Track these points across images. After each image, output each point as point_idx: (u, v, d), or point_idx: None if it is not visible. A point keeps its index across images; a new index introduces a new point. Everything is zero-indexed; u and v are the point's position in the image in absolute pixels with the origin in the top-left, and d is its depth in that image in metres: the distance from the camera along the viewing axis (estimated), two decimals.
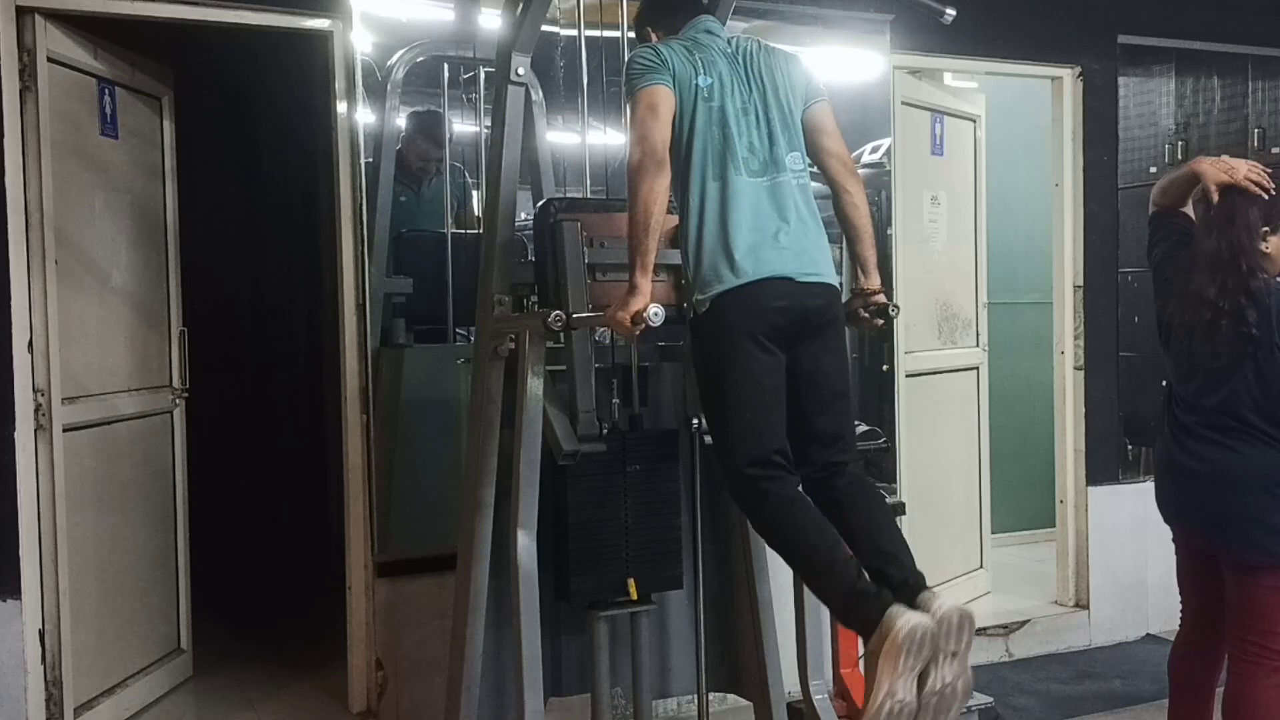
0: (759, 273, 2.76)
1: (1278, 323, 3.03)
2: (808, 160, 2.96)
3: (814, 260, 2.85)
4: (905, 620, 2.49)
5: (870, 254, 3.06)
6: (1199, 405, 3.17)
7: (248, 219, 6.85)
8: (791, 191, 2.87)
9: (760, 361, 2.76)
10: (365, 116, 4.01)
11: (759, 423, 2.75)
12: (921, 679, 2.51)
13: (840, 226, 3.07)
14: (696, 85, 2.84)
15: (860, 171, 4.92)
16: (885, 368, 4.84)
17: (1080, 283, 5.17)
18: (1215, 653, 3.31)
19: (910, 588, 2.60)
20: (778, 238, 2.81)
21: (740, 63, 2.93)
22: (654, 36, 3.08)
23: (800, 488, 2.78)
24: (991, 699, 4.15)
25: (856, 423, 4.62)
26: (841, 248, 4.87)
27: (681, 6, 3.05)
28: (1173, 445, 3.23)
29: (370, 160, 4.06)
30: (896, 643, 2.47)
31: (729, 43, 2.98)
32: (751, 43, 3.01)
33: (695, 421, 3.28)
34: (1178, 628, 3.43)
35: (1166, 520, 3.34)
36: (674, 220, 2.93)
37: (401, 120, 4.24)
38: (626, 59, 2.94)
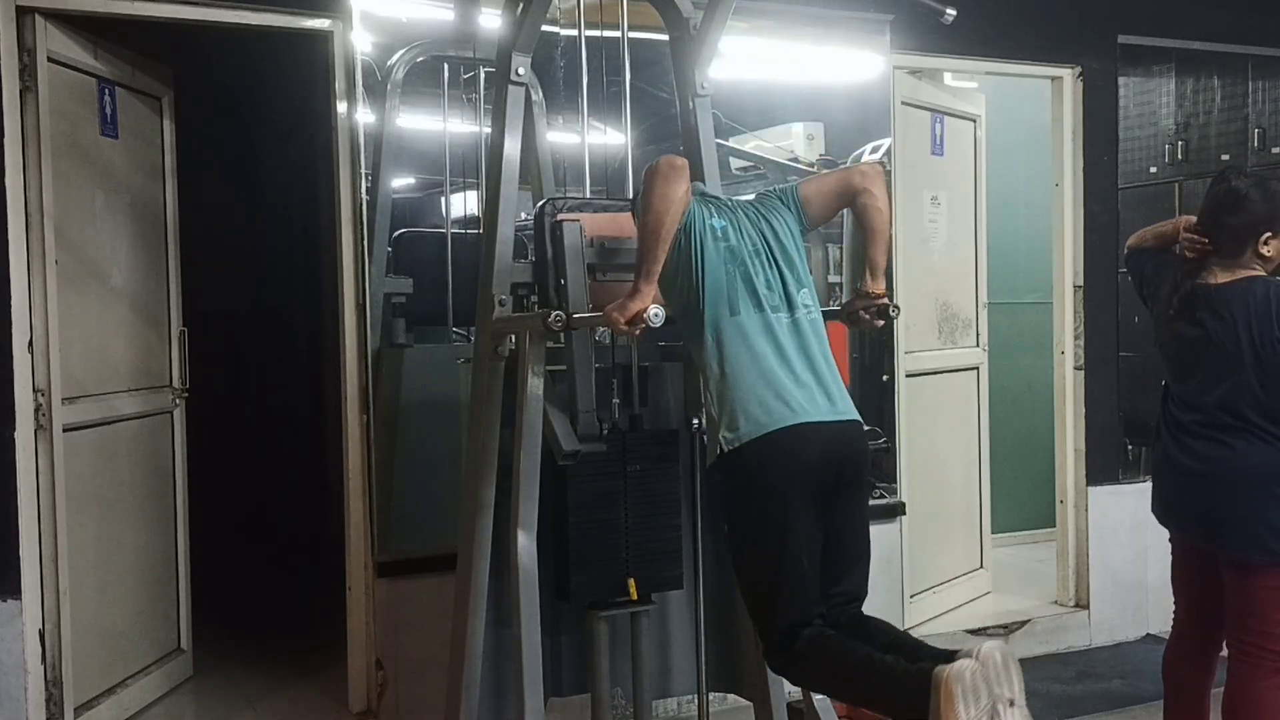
0: (794, 418, 2.72)
1: (1278, 319, 3.04)
2: (818, 301, 2.96)
3: (842, 399, 2.83)
4: (950, 668, 2.43)
5: (882, 259, 3.06)
6: (1197, 403, 3.17)
7: (248, 219, 6.85)
8: (811, 328, 2.87)
9: (804, 528, 2.71)
10: (365, 116, 4.01)
11: (800, 590, 2.71)
12: None
13: (858, 227, 3.07)
14: (710, 225, 2.87)
15: None
16: (885, 378, 4.84)
17: (1080, 283, 5.17)
18: (1210, 653, 3.31)
19: (947, 654, 2.55)
20: (807, 375, 2.79)
21: (739, 214, 2.96)
22: None
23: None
24: None
25: None
26: (843, 248, 4.91)
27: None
28: (1170, 444, 3.23)
29: (370, 161, 4.06)
30: (950, 690, 2.40)
31: (727, 199, 3.06)
32: (739, 200, 3.07)
33: (695, 421, 3.28)
34: (1171, 627, 3.43)
35: (1163, 521, 3.34)
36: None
37: (400, 120, 4.23)
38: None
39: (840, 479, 2.78)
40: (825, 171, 3.04)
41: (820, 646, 2.70)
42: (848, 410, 2.84)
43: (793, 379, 2.77)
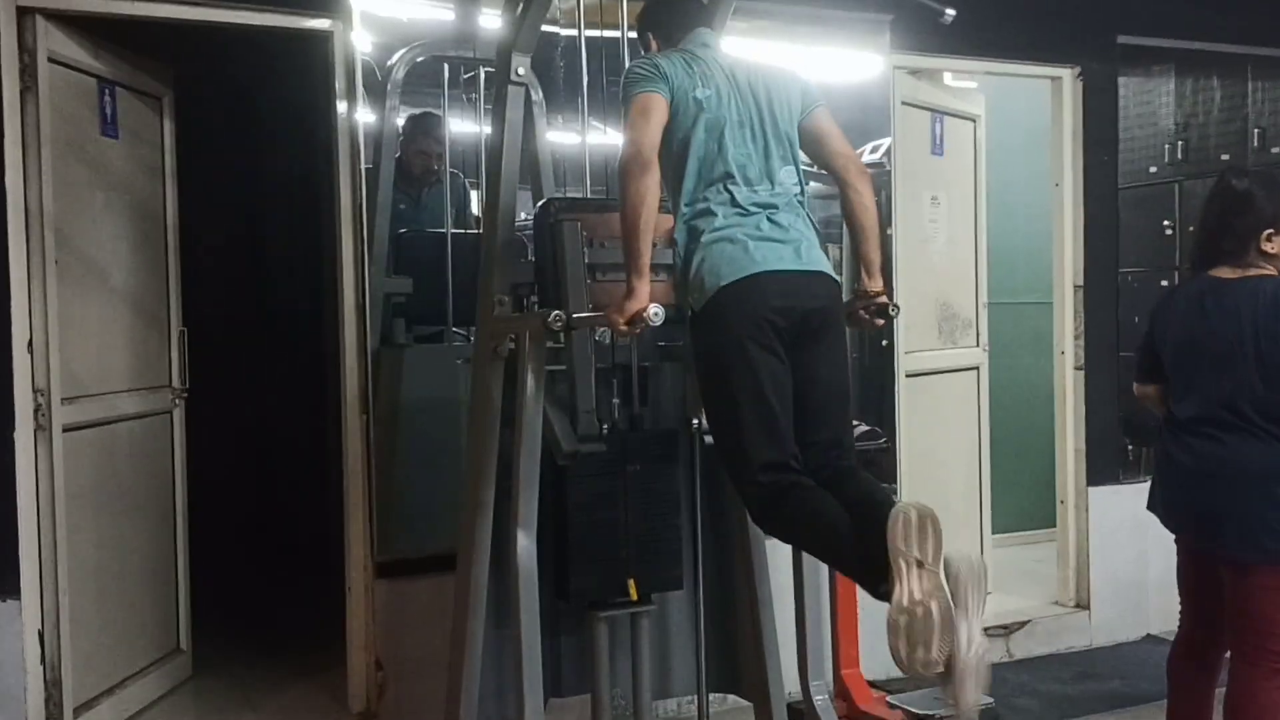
0: (755, 267, 2.76)
1: (1276, 317, 3.04)
2: (803, 175, 2.97)
3: (811, 256, 2.86)
4: (892, 514, 2.52)
5: (875, 255, 3.06)
6: (1198, 400, 3.17)
7: (248, 219, 6.85)
8: (788, 201, 2.89)
9: (766, 365, 2.74)
10: (365, 116, 4.01)
11: (768, 427, 2.74)
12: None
13: (847, 226, 3.08)
14: (695, 97, 2.86)
15: None
16: (884, 343, 4.82)
17: (1080, 283, 5.17)
18: (1214, 654, 3.31)
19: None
20: (774, 236, 2.82)
21: (737, 77, 2.94)
22: (653, 44, 3.09)
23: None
24: (992, 699, 4.15)
25: (856, 422, 4.64)
26: (843, 248, 4.90)
27: (681, 19, 3.05)
28: (1170, 442, 3.23)
29: (370, 161, 4.06)
30: (894, 528, 2.49)
31: (725, 56, 3.00)
32: (744, 60, 3.02)
33: (695, 421, 3.28)
34: (1177, 628, 3.43)
35: (1163, 520, 3.34)
36: (668, 220, 2.93)
37: (401, 121, 4.24)
38: (628, 67, 2.95)
39: (805, 325, 2.80)
40: (838, 130, 3.01)
41: (792, 497, 2.71)
42: (815, 263, 2.85)
43: (759, 238, 2.80)
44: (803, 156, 3.02)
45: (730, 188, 2.84)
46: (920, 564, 2.48)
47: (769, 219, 2.84)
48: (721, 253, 2.78)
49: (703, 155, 2.85)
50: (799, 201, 2.93)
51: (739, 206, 2.83)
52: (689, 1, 3.08)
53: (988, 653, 2.49)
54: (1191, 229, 5.64)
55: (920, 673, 2.48)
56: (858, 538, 2.60)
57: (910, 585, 2.46)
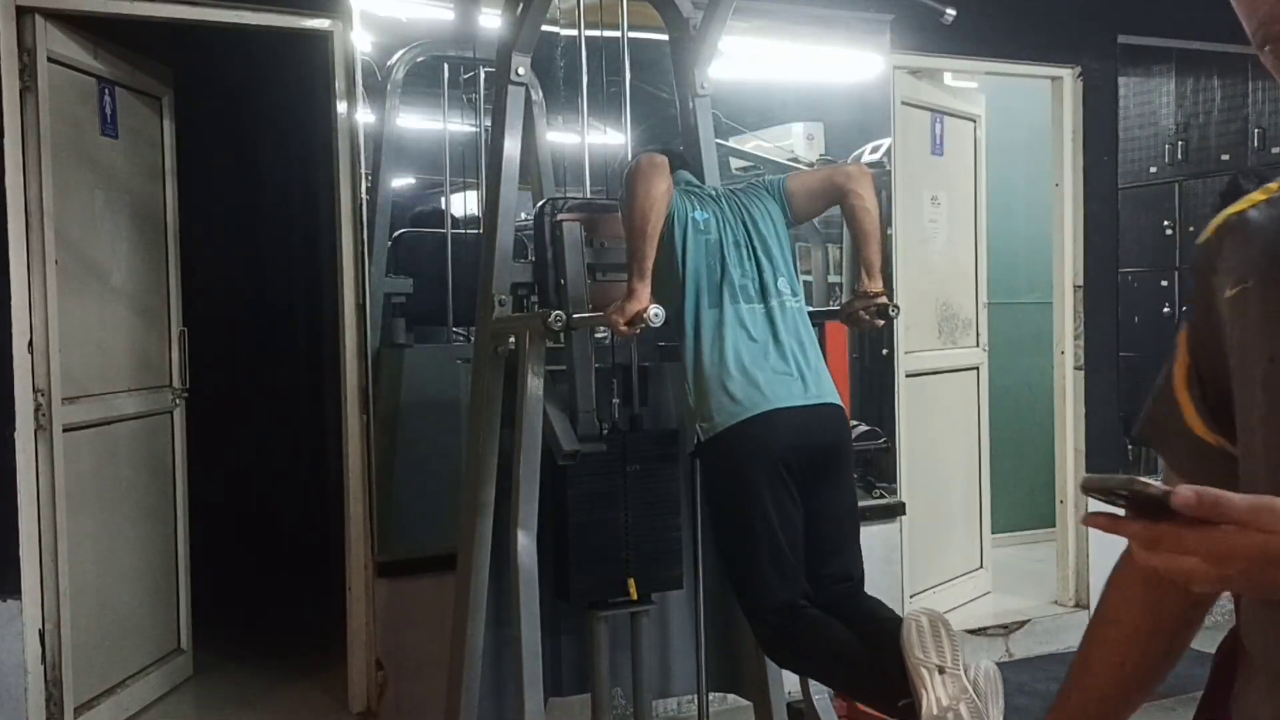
0: (766, 404, 2.78)
1: None
2: (801, 288, 3.03)
3: (819, 386, 2.88)
4: (905, 625, 2.52)
5: (876, 258, 3.07)
6: None
7: (248, 219, 6.85)
8: (786, 316, 2.92)
9: (779, 505, 2.77)
10: (365, 116, 4.01)
11: (780, 566, 2.77)
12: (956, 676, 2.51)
13: (849, 229, 3.10)
14: (693, 218, 2.92)
15: None
16: (885, 351, 4.83)
17: (1080, 283, 5.17)
18: None
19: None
20: (780, 364, 2.85)
21: (722, 205, 3.00)
22: None
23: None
24: None
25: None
26: (843, 248, 4.90)
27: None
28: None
29: (370, 161, 4.06)
30: (909, 639, 2.50)
31: (710, 189, 3.10)
32: (724, 188, 3.12)
33: (691, 440, 3.28)
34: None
35: None
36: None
37: (400, 120, 4.23)
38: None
39: (814, 462, 2.83)
40: (813, 169, 3.08)
41: (804, 628, 2.75)
42: (824, 394, 2.87)
43: (767, 367, 2.83)
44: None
45: (734, 307, 2.87)
46: (941, 669, 2.48)
47: (775, 343, 2.86)
48: (730, 386, 2.80)
49: (705, 273, 2.90)
50: (801, 314, 2.97)
51: (745, 332, 2.85)
52: (671, 153, 3.11)
53: None
54: (1191, 229, 5.66)
55: None
56: (871, 660, 2.62)
57: (936, 693, 2.47)
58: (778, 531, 2.76)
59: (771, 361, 2.84)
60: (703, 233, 2.91)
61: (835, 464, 2.89)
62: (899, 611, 2.76)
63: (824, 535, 2.86)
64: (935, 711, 2.46)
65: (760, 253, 2.96)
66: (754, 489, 2.76)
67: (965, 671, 2.50)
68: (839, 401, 2.94)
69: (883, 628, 2.63)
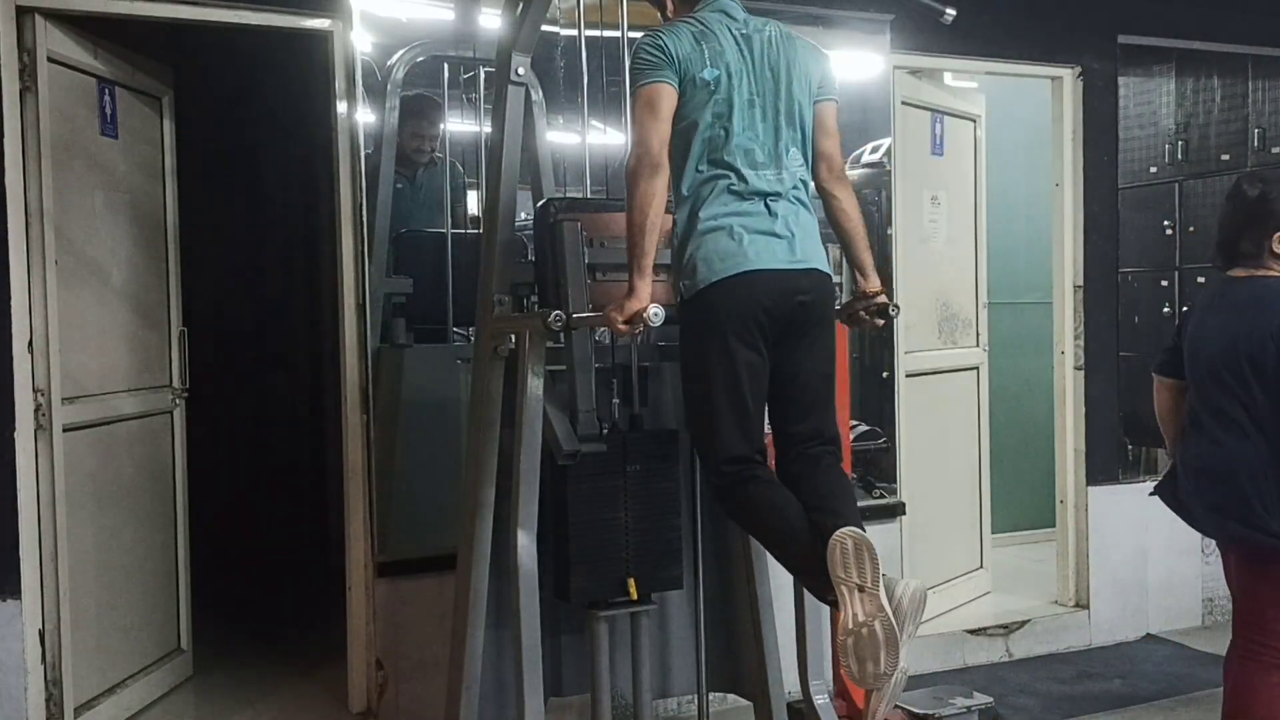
0: (748, 264, 2.78)
1: (1273, 318, 3.06)
2: (810, 155, 2.97)
3: (805, 249, 2.87)
4: (830, 544, 2.61)
5: (866, 257, 3.07)
6: (1200, 398, 3.21)
7: (248, 218, 6.85)
8: (792, 185, 2.89)
9: (745, 362, 2.79)
10: (365, 116, 4.01)
11: (740, 420, 2.81)
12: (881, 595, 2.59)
13: (834, 232, 3.08)
14: (702, 78, 2.82)
15: (860, 171, 4.95)
16: (885, 374, 4.84)
17: (1080, 283, 5.17)
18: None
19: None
20: (770, 229, 2.83)
21: (753, 50, 2.89)
22: (670, 6, 3.07)
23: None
24: (991, 699, 4.15)
25: (856, 423, 4.65)
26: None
27: None
28: (1190, 435, 3.26)
29: (370, 159, 4.06)
30: (832, 558, 2.60)
31: (745, 24, 2.93)
32: (769, 27, 2.95)
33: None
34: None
35: (1180, 516, 3.36)
36: (669, 220, 2.93)
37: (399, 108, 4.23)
38: (635, 46, 2.92)
39: (792, 320, 2.83)
40: (836, 132, 3.01)
41: (758, 500, 2.81)
42: (809, 259, 2.86)
43: (755, 231, 2.81)
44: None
45: (733, 173, 2.83)
46: (861, 588, 2.58)
47: (768, 208, 2.84)
48: (716, 244, 2.80)
49: (708, 138, 2.84)
50: (802, 186, 2.93)
51: (739, 194, 2.83)
52: None
53: (905, 675, 2.61)
54: (1191, 229, 5.67)
55: (872, 685, 2.59)
56: (810, 548, 2.69)
57: (854, 608, 2.58)
58: (742, 385, 2.78)
59: (761, 224, 2.82)
60: (711, 92, 2.82)
61: (812, 326, 2.88)
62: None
63: (795, 394, 2.89)
64: (850, 625, 2.57)
65: (782, 114, 2.89)
66: (723, 343, 2.77)
67: (888, 589, 2.58)
68: (826, 268, 2.91)
69: (827, 520, 2.69)
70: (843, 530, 2.62)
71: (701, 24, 2.88)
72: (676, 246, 2.88)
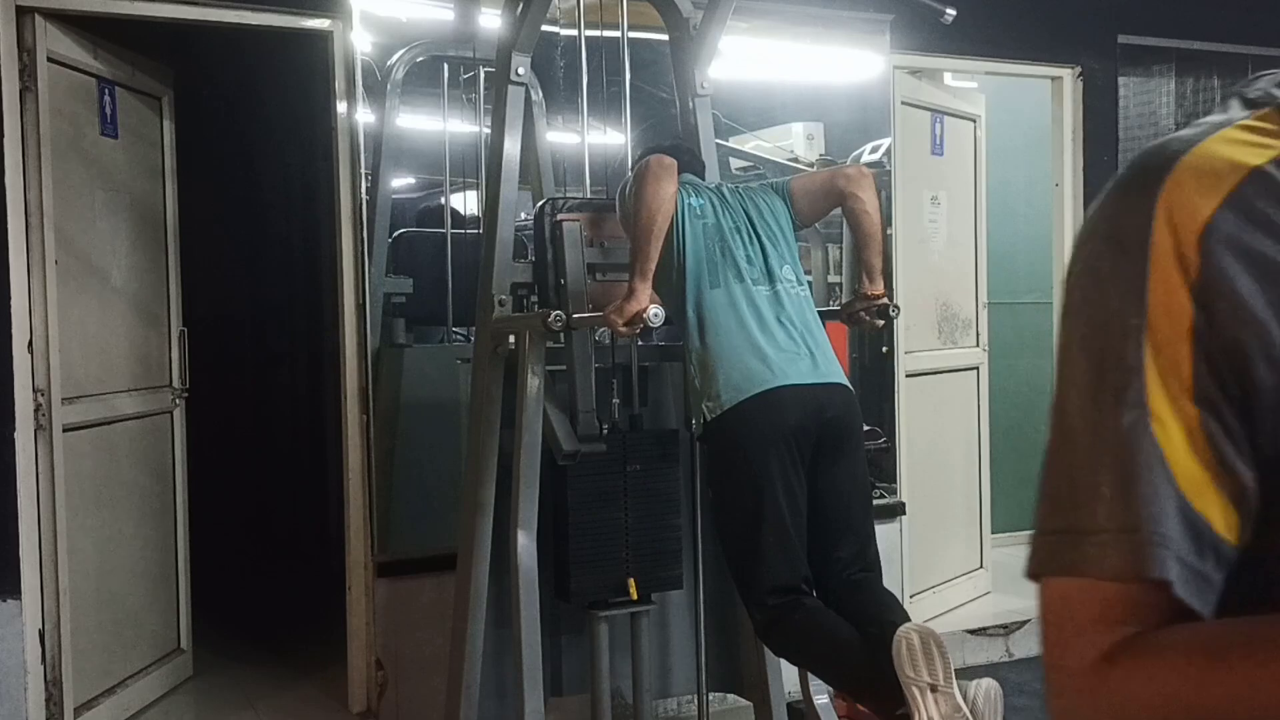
0: (774, 380, 2.75)
1: None
2: (803, 273, 3.02)
3: (827, 365, 2.86)
4: (895, 642, 2.49)
5: (877, 260, 3.08)
6: None
7: (248, 219, 6.85)
8: (793, 299, 2.91)
9: (785, 482, 2.73)
10: (365, 116, 4.01)
11: (784, 549, 2.73)
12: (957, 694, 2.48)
13: (850, 231, 3.10)
14: (689, 204, 2.91)
15: None
16: (885, 349, 4.83)
17: None
18: None
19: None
20: (787, 342, 2.82)
21: (724, 196, 3.01)
22: None
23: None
24: None
25: None
26: (843, 248, 4.90)
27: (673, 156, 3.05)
28: None
29: (370, 161, 4.06)
30: (899, 657, 2.46)
31: (709, 184, 3.11)
32: (725, 184, 3.14)
33: (695, 421, 3.28)
34: None
35: None
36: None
37: (399, 120, 4.23)
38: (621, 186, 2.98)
39: (822, 441, 2.80)
40: (815, 171, 3.08)
41: (801, 617, 2.71)
42: (831, 374, 2.86)
43: (774, 345, 2.81)
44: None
45: (737, 287, 2.85)
46: (934, 688, 2.44)
47: (780, 323, 2.84)
48: (737, 363, 2.78)
49: (705, 257, 2.89)
50: (806, 297, 2.96)
51: (748, 309, 2.83)
52: (678, 149, 3.11)
53: None
54: None
55: None
56: (869, 663, 2.57)
57: (929, 711, 2.44)
58: (783, 512, 2.72)
59: (779, 340, 2.81)
60: (699, 217, 2.92)
61: (844, 442, 2.84)
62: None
63: (833, 516, 2.82)
64: None
65: (764, 238, 2.95)
66: (760, 467, 2.72)
67: (962, 691, 2.47)
68: (848, 383, 2.92)
69: (885, 633, 2.57)
70: (906, 626, 2.50)
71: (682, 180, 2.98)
72: (694, 368, 2.86)
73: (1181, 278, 0.74)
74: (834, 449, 2.82)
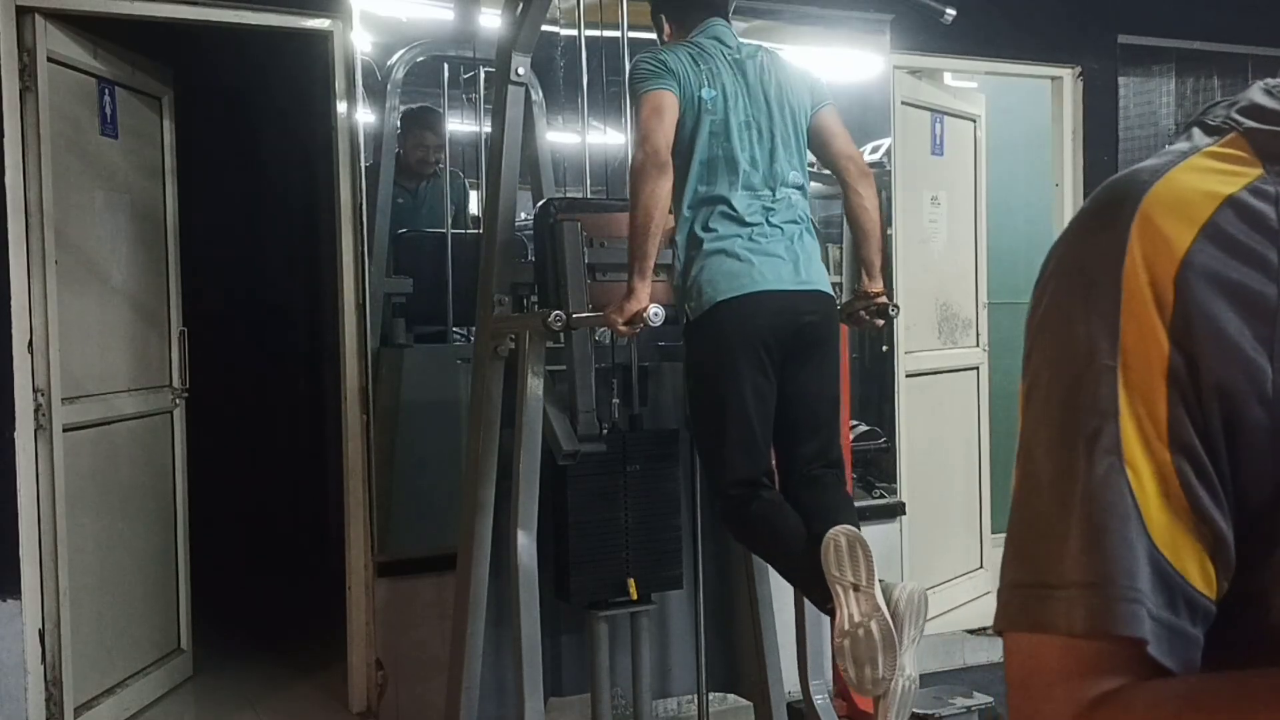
0: (754, 285, 2.80)
1: None
2: (808, 176, 3.00)
3: (809, 271, 2.90)
4: (823, 542, 2.63)
5: (876, 258, 3.08)
6: None
7: (248, 219, 6.84)
8: (790, 207, 2.91)
9: (753, 383, 2.82)
10: (365, 116, 4.01)
11: (747, 444, 2.83)
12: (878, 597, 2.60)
13: (850, 228, 3.10)
14: (700, 97, 2.87)
15: None
16: (885, 348, 4.83)
17: None
18: None
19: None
20: (773, 251, 2.85)
21: (746, 74, 2.94)
22: (667, 28, 3.10)
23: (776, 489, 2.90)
24: (991, 699, 4.14)
25: (856, 423, 4.64)
26: (843, 247, 4.90)
27: (696, 5, 3.05)
28: None
29: (370, 160, 4.06)
30: (826, 557, 2.61)
31: (738, 50, 2.99)
32: (760, 53, 3.01)
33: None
34: None
35: None
36: (670, 220, 2.94)
37: (399, 117, 4.24)
38: (635, 60, 2.96)
39: (797, 341, 2.86)
40: (841, 127, 3.03)
41: (757, 508, 2.84)
42: (813, 280, 2.90)
43: (757, 251, 2.84)
44: (809, 156, 3.04)
45: (734, 193, 2.86)
46: (856, 587, 2.58)
47: (770, 227, 2.87)
48: (720, 265, 2.82)
49: (707, 158, 2.87)
50: (802, 204, 2.95)
51: (741, 214, 2.85)
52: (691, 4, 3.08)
53: (915, 684, 2.59)
54: None
55: (871, 690, 2.57)
56: (808, 558, 2.71)
57: (850, 608, 2.58)
58: (750, 410, 2.82)
59: (764, 245, 2.84)
60: (709, 112, 2.87)
61: (817, 347, 2.91)
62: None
63: (800, 416, 2.91)
64: (846, 626, 2.57)
65: (778, 137, 2.92)
66: (732, 367, 2.81)
67: (886, 592, 2.58)
68: (829, 290, 2.96)
69: (824, 529, 2.70)
70: (836, 529, 2.63)
71: (698, 48, 2.94)
72: (680, 268, 2.89)
73: (1157, 315, 0.70)
74: (805, 353, 2.89)
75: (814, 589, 2.73)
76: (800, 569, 2.78)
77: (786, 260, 2.85)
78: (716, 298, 2.80)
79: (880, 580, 2.60)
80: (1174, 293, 0.70)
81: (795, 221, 2.91)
